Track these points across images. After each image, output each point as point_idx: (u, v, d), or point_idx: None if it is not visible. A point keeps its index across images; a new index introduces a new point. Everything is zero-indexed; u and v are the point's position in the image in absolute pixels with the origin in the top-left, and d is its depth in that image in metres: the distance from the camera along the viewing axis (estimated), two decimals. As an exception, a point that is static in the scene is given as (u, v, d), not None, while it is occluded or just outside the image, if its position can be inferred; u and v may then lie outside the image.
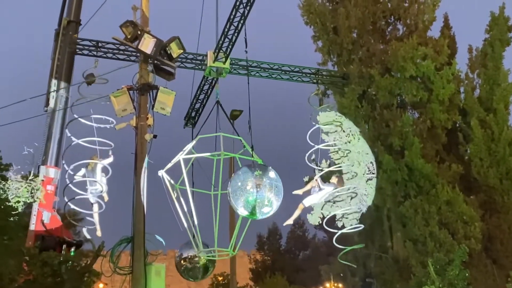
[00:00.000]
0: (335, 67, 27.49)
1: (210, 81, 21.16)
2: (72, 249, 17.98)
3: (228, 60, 20.04)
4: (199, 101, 22.39)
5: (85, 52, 19.24)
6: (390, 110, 25.13)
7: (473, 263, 22.65)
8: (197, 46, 20.46)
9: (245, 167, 15.38)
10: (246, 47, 17.62)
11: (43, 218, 17.88)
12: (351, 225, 19.94)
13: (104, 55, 19.24)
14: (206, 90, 21.74)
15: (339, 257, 20.94)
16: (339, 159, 20.56)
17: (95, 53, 19.32)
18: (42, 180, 18.01)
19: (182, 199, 16.12)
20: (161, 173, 16.00)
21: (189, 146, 16.47)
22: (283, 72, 22.71)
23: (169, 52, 17.49)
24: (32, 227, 17.85)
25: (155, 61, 17.67)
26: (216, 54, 19.65)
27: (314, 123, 20.20)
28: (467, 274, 19.04)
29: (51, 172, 18.54)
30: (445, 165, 24.90)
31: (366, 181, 19.68)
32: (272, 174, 15.07)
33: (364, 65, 25.80)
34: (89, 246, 19.20)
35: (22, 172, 16.60)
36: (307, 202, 18.86)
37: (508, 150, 24.53)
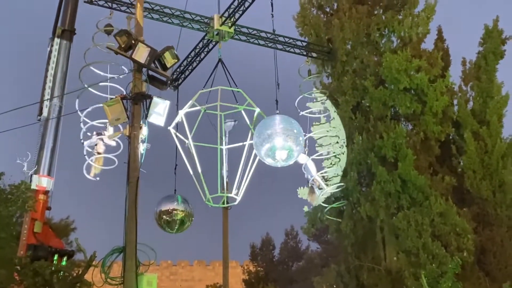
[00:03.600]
0: (329, 78, 27.62)
1: (206, 44, 21.17)
2: (64, 259, 17.90)
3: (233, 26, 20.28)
4: (189, 63, 22.22)
5: (101, 2, 19.18)
6: (384, 122, 25.16)
7: (465, 275, 22.64)
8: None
9: (268, 118, 16.44)
10: (272, 10, 18.15)
11: (35, 228, 17.79)
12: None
13: (118, 8, 19.19)
14: (199, 53, 21.67)
15: (325, 212, 21.09)
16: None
17: (110, 4, 19.25)
18: (35, 190, 17.93)
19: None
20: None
21: (191, 102, 17.12)
22: (278, 42, 22.78)
23: (163, 61, 17.44)
24: (24, 236, 17.76)
25: (149, 71, 17.62)
26: (225, 18, 19.73)
27: (302, 93, 20.85)
28: (459, 287, 19.04)
29: (44, 181, 18.46)
30: (438, 177, 24.94)
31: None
32: (292, 123, 16.28)
33: (358, 77, 25.88)
34: (80, 256, 19.10)
35: (15, 181, 16.51)
36: (300, 159, 19.10)
37: (501, 163, 24.63)
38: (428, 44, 27.58)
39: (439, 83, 25.26)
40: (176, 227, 19.66)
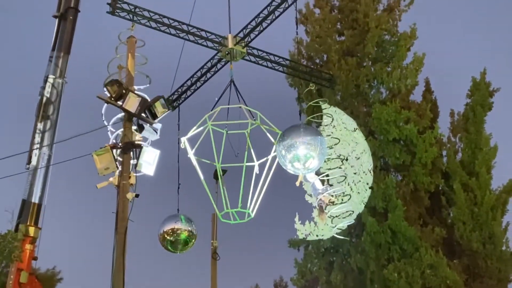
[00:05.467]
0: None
1: (215, 64, 21.08)
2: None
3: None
4: (193, 82, 22.00)
5: (123, 14, 19.16)
6: (374, 172, 25.18)
7: (457, 328, 22.42)
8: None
9: (291, 127, 16.23)
10: (297, 28, 18.26)
11: (21, 278, 17.54)
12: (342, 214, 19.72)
13: (137, 21, 19.22)
14: (204, 72, 21.46)
15: (334, 227, 20.40)
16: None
17: (131, 16, 19.23)
18: (21, 239, 17.74)
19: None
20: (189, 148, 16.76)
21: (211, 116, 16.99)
22: (285, 66, 22.70)
23: (153, 111, 17.55)
24: (9, 287, 17.49)
25: (139, 120, 17.69)
26: (240, 38, 19.72)
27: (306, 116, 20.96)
28: None
29: (31, 231, 18.29)
30: (428, 228, 24.87)
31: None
32: (316, 132, 16.47)
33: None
34: (67, 307, 18.79)
35: (1, 231, 16.36)
36: (309, 177, 18.83)
37: (491, 214, 24.58)
38: (417, 95, 27.93)
39: (428, 135, 25.45)
40: (180, 247, 19.37)
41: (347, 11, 29.23)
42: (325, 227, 19.85)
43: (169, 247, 19.16)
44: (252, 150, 17.18)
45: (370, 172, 19.66)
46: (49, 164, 19.00)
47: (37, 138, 19.29)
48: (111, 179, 16.91)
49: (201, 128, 17.19)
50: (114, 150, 17.13)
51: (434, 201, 26.10)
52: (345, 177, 19.28)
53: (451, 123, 27.73)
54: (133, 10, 18.94)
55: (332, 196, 18.97)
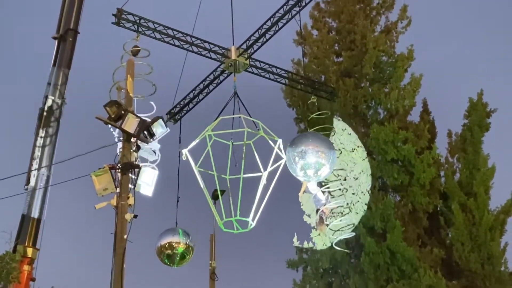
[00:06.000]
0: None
1: (218, 76, 21.11)
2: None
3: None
4: (195, 95, 22.00)
5: (128, 25, 19.14)
6: (372, 193, 25.18)
7: None
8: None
9: (302, 134, 16.79)
10: (301, 36, 18.05)
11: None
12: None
13: (142, 32, 19.24)
14: (206, 84, 21.46)
15: (334, 243, 20.21)
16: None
17: (136, 27, 19.21)
18: (19, 260, 17.70)
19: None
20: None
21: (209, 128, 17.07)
22: (286, 78, 22.75)
23: (152, 132, 17.58)
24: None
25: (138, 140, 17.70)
26: (243, 50, 19.75)
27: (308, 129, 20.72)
28: None
29: (29, 252, 18.26)
30: (427, 249, 24.82)
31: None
32: (328, 141, 16.70)
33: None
34: (65, 330, 18.72)
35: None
36: (311, 189, 18.75)
37: (489, 235, 24.54)
38: (414, 116, 28.04)
39: (426, 155, 25.50)
40: (177, 261, 19.31)
41: (344, 33, 29.47)
42: (323, 247, 19.87)
43: (166, 261, 19.16)
44: (258, 160, 17.17)
45: (368, 192, 19.67)
46: (48, 185, 19.01)
47: (36, 159, 19.32)
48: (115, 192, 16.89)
49: (202, 139, 17.27)
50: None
51: (433, 221, 26.08)
52: (346, 190, 19.31)
53: (449, 143, 27.79)
54: (138, 21, 19.05)
55: (334, 208, 19.01)
